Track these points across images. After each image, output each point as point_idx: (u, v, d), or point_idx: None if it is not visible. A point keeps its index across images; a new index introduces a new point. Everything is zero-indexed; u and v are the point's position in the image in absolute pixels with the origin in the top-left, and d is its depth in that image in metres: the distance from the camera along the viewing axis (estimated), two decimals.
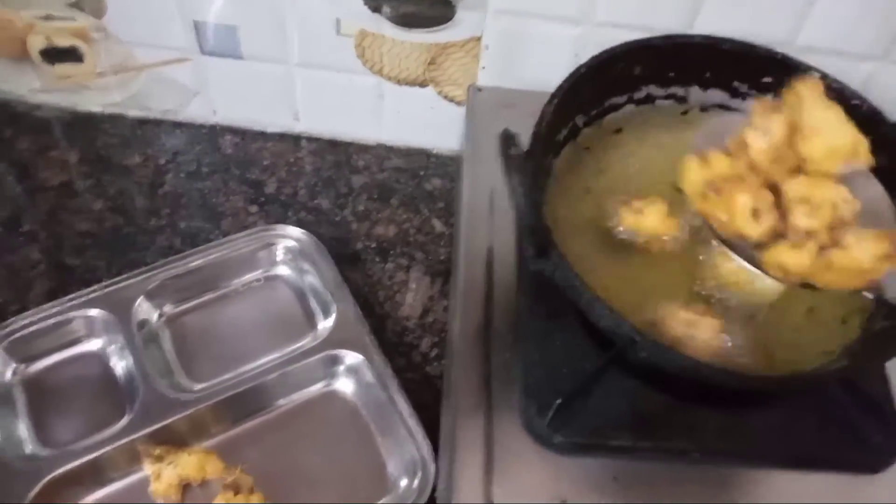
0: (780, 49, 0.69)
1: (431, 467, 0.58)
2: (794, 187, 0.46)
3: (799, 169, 0.48)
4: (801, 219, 0.45)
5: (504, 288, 0.60)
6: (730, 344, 0.49)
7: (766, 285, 0.49)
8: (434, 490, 0.57)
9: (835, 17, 0.68)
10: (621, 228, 0.54)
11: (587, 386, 0.48)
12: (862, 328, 0.50)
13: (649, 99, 0.60)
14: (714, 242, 0.49)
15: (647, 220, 0.53)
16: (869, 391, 0.52)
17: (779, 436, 0.51)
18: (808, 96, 0.47)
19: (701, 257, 0.54)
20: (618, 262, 0.55)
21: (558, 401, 0.47)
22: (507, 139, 0.45)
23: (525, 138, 0.52)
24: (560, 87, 0.52)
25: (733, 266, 0.49)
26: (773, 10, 0.69)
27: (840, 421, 0.51)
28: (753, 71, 0.57)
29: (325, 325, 0.68)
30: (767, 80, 0.58)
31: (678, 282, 0.54)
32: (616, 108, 0.59)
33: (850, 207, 0.46)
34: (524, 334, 0.54)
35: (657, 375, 0.46)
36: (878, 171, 0.50)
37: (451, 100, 0.80)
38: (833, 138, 0.46)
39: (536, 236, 0.45)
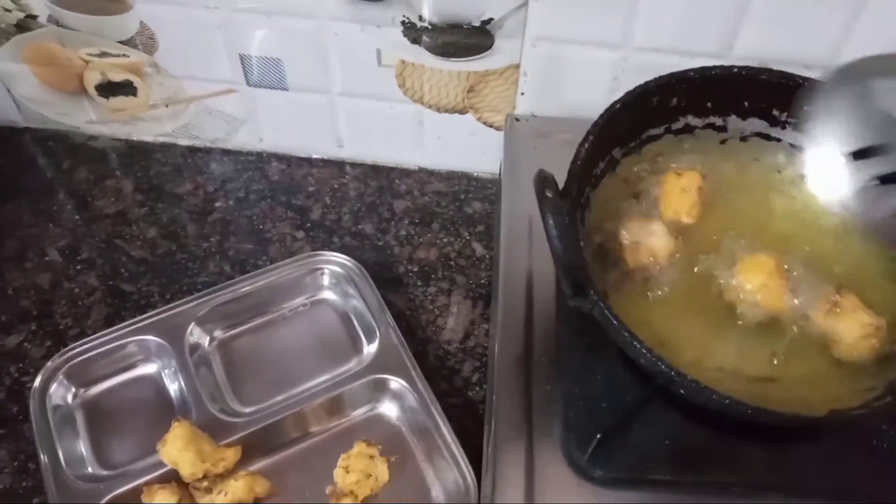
0: (821, 69, 0.68)
1: (474, 496, 0.58)
2: None
3: None
4: None
5: (544, 314, 0.61)
6: None
7: None
8: None
9: (878, 35, 0.67)
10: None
11: (628, 420, 0.49)
12: None
13: (687, 129, 0.59)
14: None
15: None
16: None
17: (824, 469, 0.51)
18: None
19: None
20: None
21: (598, 435, 0.48)
22: (543, 180, 0.45)
23: (562, 169, 0.52)
24: (595, 124, 0.52)
25: None
26: (813, 30, 0.68)
27: (885, 454, 0.51)
28: (793, 100, 0.56)
29: (369, 349, 0.70)
30: (807, 108, 0.57)
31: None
32: (654, 138, 0.59)
33: None
34: (564, 368, 0.54)
35: (699, 409, 0.46)
36: None
37: (491, 125, 0.80)
38: None
39: (573, 275, 0.45)
